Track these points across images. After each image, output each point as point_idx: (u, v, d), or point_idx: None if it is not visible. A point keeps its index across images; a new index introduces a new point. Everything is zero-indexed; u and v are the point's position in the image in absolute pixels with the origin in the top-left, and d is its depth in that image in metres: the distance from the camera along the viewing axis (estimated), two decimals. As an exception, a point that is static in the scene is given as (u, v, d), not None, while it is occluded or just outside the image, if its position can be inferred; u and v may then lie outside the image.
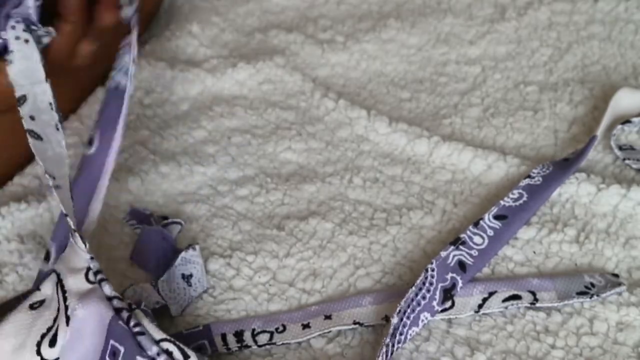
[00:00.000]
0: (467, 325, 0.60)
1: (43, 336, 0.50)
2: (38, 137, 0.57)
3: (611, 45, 0.82)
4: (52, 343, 0.50)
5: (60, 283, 0.52)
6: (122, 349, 0.49)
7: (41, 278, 0.55)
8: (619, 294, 0.60)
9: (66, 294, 0.52)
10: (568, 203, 0.67)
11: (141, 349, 0.48)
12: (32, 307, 0.52)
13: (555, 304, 0.58)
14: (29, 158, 0.77)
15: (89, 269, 0.53)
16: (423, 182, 0.71)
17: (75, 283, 0.52)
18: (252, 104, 0.82)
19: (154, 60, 0.86)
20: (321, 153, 0.75)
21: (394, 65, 0.85)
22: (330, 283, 0.64)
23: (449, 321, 0.60)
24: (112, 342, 0.50)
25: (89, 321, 0.50)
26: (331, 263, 0.65)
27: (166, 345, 0.48)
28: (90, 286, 0.52)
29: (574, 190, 0.67)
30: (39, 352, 0.50)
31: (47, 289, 0.53)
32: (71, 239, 0.55)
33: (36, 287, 0.53)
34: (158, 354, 0.48)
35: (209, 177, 0.73)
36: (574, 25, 0.84)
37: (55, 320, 0.51)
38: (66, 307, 0.51)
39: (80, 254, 0.53)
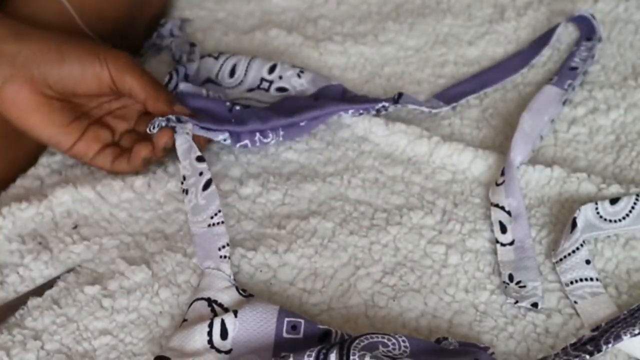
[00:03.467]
0: (467, 325, 0.60)
1: (209, 333, 0.58)
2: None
3: (610, 45, 0.82)
4: (224, 336, 0.58)
5: (212, 302, 0.60)
6: (302, 321, 0.58)
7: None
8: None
9: (224, 306, 0.60)
10: (568, 202, 0.67)
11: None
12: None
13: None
14: (31, 160, 0.77)
15: (236, 287, 0.61)
16: (423, 182, 0.71)
17: (231, 298, 0.61)
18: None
19: (157, 62, 0.87)
20: (322, 153, 0.75)
21: (392, 67, 0.85)
22: (330, 283, 0.64)
23: (450, 321, 0.60)
24: (287, 319, 0.58)
25: (256, 314, 0.58)
26: (332, 263, 0.65)
27: None
28: (244, 298, 0.61)
29: (574, 190, 0.68)
30: (212, 347, 0.58)
31: (194, 313, 0.60)
32: (211, 271, 0.63)
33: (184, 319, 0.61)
34: None
35: (212, 175, 0.73)
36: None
37: (210, 325, 0.58)
38: (234, 311, 0.59)
39: (224, 278, 0.62)
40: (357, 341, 0.53)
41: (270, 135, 0.73)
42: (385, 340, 0.54)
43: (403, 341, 0.55)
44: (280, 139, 0.74)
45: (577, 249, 0.62)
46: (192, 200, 0.66)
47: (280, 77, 0.79)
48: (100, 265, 0.67)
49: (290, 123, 0.73)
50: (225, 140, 0.72)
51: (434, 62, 0.85)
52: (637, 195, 0.64)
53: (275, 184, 0.72)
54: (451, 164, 0.72)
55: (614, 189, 0.67)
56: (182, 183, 0.68)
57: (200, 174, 0.67)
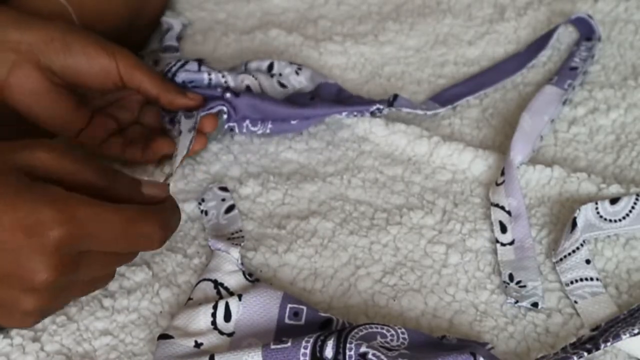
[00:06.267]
0: (467, 325, 0.60)
1: (213, 315, 0.59)
2: None
3: (611, 45, 0.82)
4: (227, 318, 0.59)
5: (218, 284, 0.62)
6: (304, 308, 0.59)
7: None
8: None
9: (230, 290, 0.61)
10: (568, 202, 0.67)
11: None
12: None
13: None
14: None
15: (243, 272, 0.63)
16: (423, 182, 0.71)
17: (237, 282, 0.62)
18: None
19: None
20: (322, 153, 0.75)
21: (392, 67, 0.85)
22: (330, 283, 0.64)
23: (451, 321, 0.60)
24: (290, 306, 0.59)
25: (260, 299, 0.59)
26: (332, 263, 0.65)
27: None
28: (249, 283, 0.62)
29: (574, 190, 0.68)
30: (215, 328, 0.59)
31: (199, 293, 0.61)
32: (220, 253, 0.64)
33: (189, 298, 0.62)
34: None
35: (211, 175, 0.74)
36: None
37: (215, 307, 0.59)
38: (238, 295, 0.60)
39: (232, 262, 0.63)
40: (355, 330, 0.54)
41: (259, 125, 0.74)
42: (384, 331, 0.55)
43: (402, 333, 0.55)
44: (268, 131, 0.74)
45: (577, 248, 0.62)
46: (212, 220, 0.69)
47: (280, 74, 0.79)
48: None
49: (282, 118, 0.74)
50: (225, 112, 0.73)
51: (434, 62, 0.85)
52: (637, 195, 0.64)
53: (275, 184, 0.72)
54: (451, 164, 0.72)
55: (614, 189, 0.67)
56: (199, 204, 0.70)
57: (223, 200, 0.70)
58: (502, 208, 0.67)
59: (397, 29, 0.88)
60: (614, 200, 0.64)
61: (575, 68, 0.78)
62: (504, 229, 0.65)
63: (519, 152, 0.70)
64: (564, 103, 0.75)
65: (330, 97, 0.77)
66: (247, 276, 0.62)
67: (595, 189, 0.67)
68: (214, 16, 0.94)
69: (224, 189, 0.71)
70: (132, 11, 0.85)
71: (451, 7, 0.90)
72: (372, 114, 0.76)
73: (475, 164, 0.71)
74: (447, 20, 0.88)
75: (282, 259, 0.65)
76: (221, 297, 0.60)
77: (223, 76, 0.75)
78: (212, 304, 0.59)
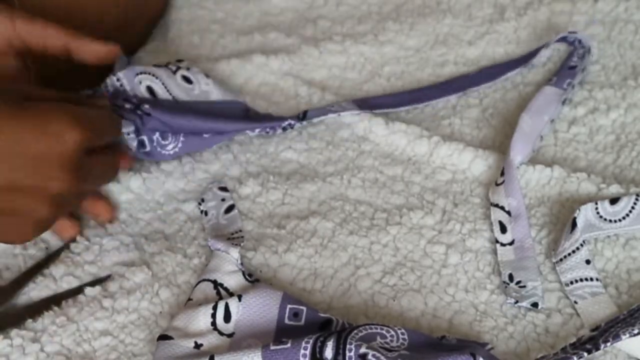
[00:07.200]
0: (467, 325, 0.60)
1: (213, 315, 0.59)
2: None
3: (611, 46, 0.82)
4: (227, 319, 0.59)
5: (218, 285, 0.62)
6: (304, 309, 0.59)
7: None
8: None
9: (229, 290, 0.62)
10: (568, 202, 0.67)
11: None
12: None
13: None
14: None
15: (243, 272, 0.63)
16: (423, 182, 0.71)
17: (237, 282, 0.62)
18: (254, 102, 0.81)
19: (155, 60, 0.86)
20: (322, 152, 0.75)
21: (392, 67, 0.85)
22: (330, 283, 0.64)
23: (450, 321, 0.60)
24: (289, 306, 0.59)
25: (260, 300, 0.59)
26: (332, 263, 0.65)
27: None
28: (249, 284, 0.62)
29: (574, 190, 0.68)
30: (215, 329, 0.59)
31: (199, 293, 0.62)
32: (220, 253, 0.64)
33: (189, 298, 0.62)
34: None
35: (211, 175, 0.74)
36: (573, 25, 0.84)
37: (214, 307, 0.59)
38: (238, 296, 0.60)
39: (232, 262, 0.63)
40: (355, 331, 0.54)
41: (170, 138, 0.71)
42: (384, 332, 0.55)
43: (402, 333, 0.55)
44: (177, 149, 0.71)
45: (577, 249, 0.62)
46: (212, 220, 0.69)
47: (188, 69, 0.75)
48: (101, 266, 0.67)
49: (193, 130, 0.71)
50: (129, 134, 0.69)
51: (434, 62, 0.84)
52: (637, 195, 0.64)
53: (275, 184, 0.72)
54: (451, 164, 0.72)
55: (614, 189, 0.67)
56: (199, 204, 0.71)
57: (223, 200, 0.70)
58: (502, 208, 0.67)
59: (397, 29, 0.88)
60: (613, 201, 0.64)
61: (574, 67, 0.78)
62: (503, 229, 0.65)
63: (518, 152, 0.70)
64: (564, 102, 0.75)
65: (236, 114, 0.76)
66: (247, 276, 0.62)
67: (595, 189, 0.67)
68: (213, 15, 0.94)
69: (224, 189, 0.71)
70: (129, 11, 0.84)
71: (451, 7, 0.90)
72: (284, 129, 0.76)
73: (475, 164, 0.71)
74: (447, 20, 0.88)
75: (282, 259, 0.65)
76: (221, 298, 0.60)
77: (118, 79, 0.71)
78: (211, 305, 0.59)
